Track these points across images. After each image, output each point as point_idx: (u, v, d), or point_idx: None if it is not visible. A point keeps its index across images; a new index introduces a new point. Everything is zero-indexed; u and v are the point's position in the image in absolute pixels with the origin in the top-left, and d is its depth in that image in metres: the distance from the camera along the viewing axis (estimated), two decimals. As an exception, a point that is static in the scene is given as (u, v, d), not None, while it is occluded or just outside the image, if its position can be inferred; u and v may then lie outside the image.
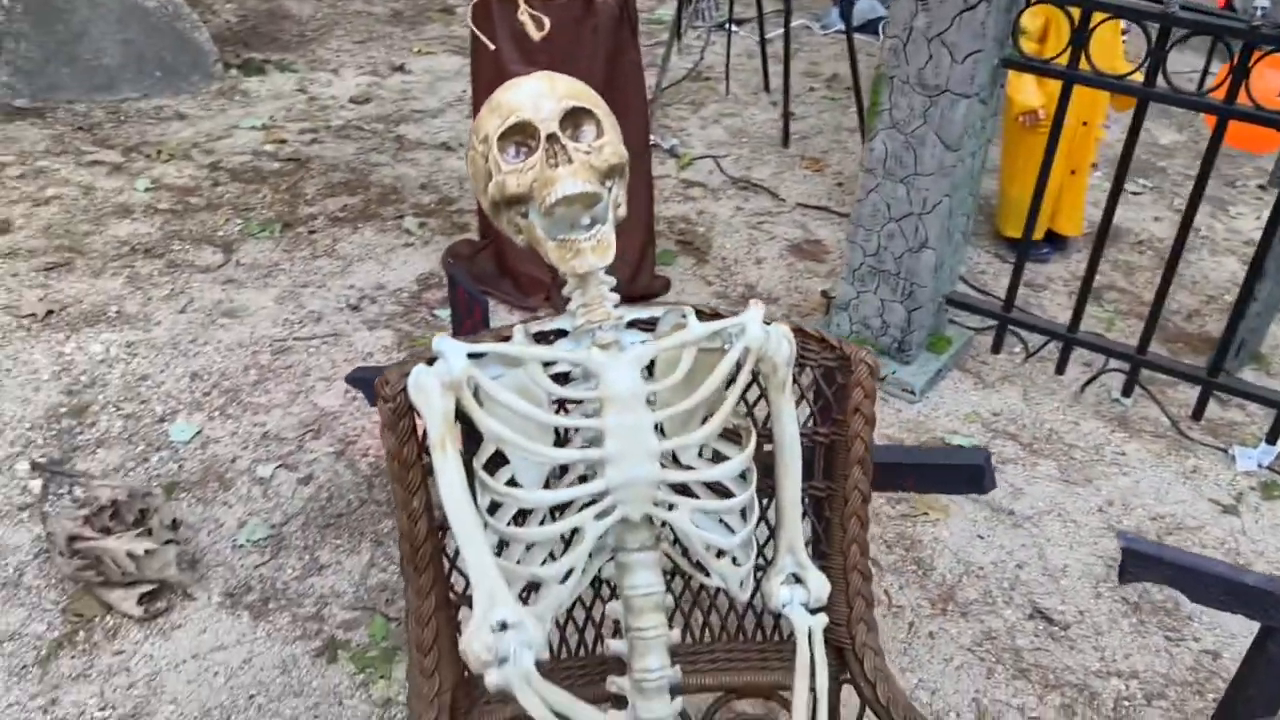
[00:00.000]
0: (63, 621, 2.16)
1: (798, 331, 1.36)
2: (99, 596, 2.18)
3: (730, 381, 1.26)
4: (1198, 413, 2.88)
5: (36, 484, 2.45)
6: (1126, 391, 2.94)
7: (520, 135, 1.21)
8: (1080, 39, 2.56)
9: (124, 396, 2.79)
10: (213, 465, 2.60)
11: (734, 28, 5.96)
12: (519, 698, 1.01)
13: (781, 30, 4.75)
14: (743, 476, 1.27)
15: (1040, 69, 2.75)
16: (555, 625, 1.40)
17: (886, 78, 2.79)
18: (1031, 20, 3.28)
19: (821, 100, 5.21)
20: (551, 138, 1.20)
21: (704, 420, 1.27)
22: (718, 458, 1.30)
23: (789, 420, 1.30)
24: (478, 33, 3.05)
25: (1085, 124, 3.54)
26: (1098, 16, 2.51)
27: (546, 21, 2.91)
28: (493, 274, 3.42)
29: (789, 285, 3.59)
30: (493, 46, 3.01)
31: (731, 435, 1.32)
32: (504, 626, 1.07)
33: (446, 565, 1.30)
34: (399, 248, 3.67)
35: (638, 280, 3.37)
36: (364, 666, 2.13)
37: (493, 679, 1.03)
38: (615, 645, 1.26)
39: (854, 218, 3.03)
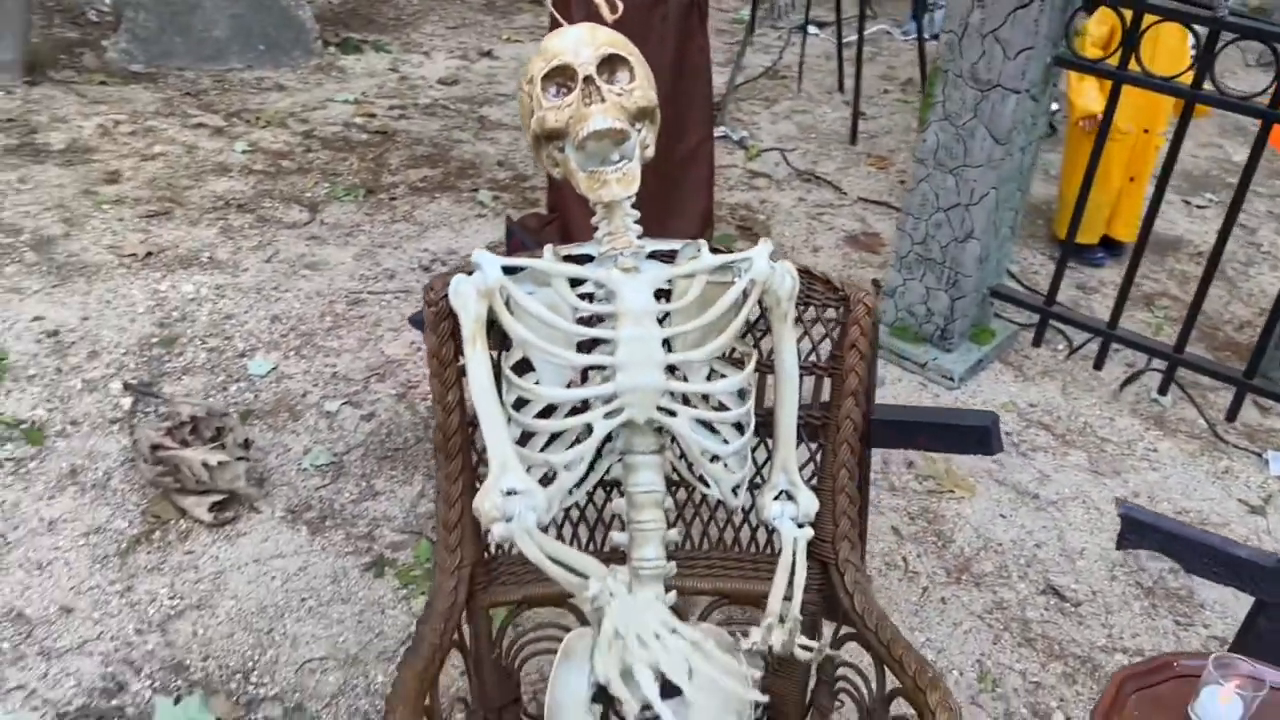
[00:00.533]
0: (142, 521, 2.39)
1: (804, 272, 1.49)
2: (175, 501, 2.40)
3: (736, 309, 1.40)
4: (1232, 414, 2.92)
5: (126, 401, 2.69)
6: (1163, 389, 3.00)
7: (561, 77, 1.37)
8: (1131, 40, 2.64)
9: (210, 332, 3.03)
10: (285, 398, 2.82)
11: (814, 30, 6.09)
12: (520, 545, 1.17)
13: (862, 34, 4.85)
14: (740, 395, 1.41)
15: (1091, 69, 2.82)
16: (569, 522, 1.55)
17: (941, 71, 2.89)
18: (1098, 27, 3.35)
19: (894, 103, 5.29)
20: (588, 80, 1.35)
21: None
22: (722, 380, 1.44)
23: (789, 350, 1.43)
24: (555, 14, 3.23)
25: (1146, 131, 3.58)
26: (1149, 18, 2.59)
27: (620, 5, 3.07)
28: (557, 246, 3.59)
29: (842, 273, 3.69)
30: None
31: (736, 362, 1.46)
32: (513, 493, 1.23)
33: (475, 457, 1.46)
34: (472, 218, 3.87)
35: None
36: (407, 582, 2.31)
37: (498, 531, 1.19)
38: (618, 537, 1.41)
39: (904, 206, 3.13)
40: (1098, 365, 3.07)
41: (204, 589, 2.25)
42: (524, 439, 1.38)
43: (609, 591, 1.13)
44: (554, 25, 3.28)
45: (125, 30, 4.88)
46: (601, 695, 1.45)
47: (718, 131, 4.71)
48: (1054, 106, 4.54)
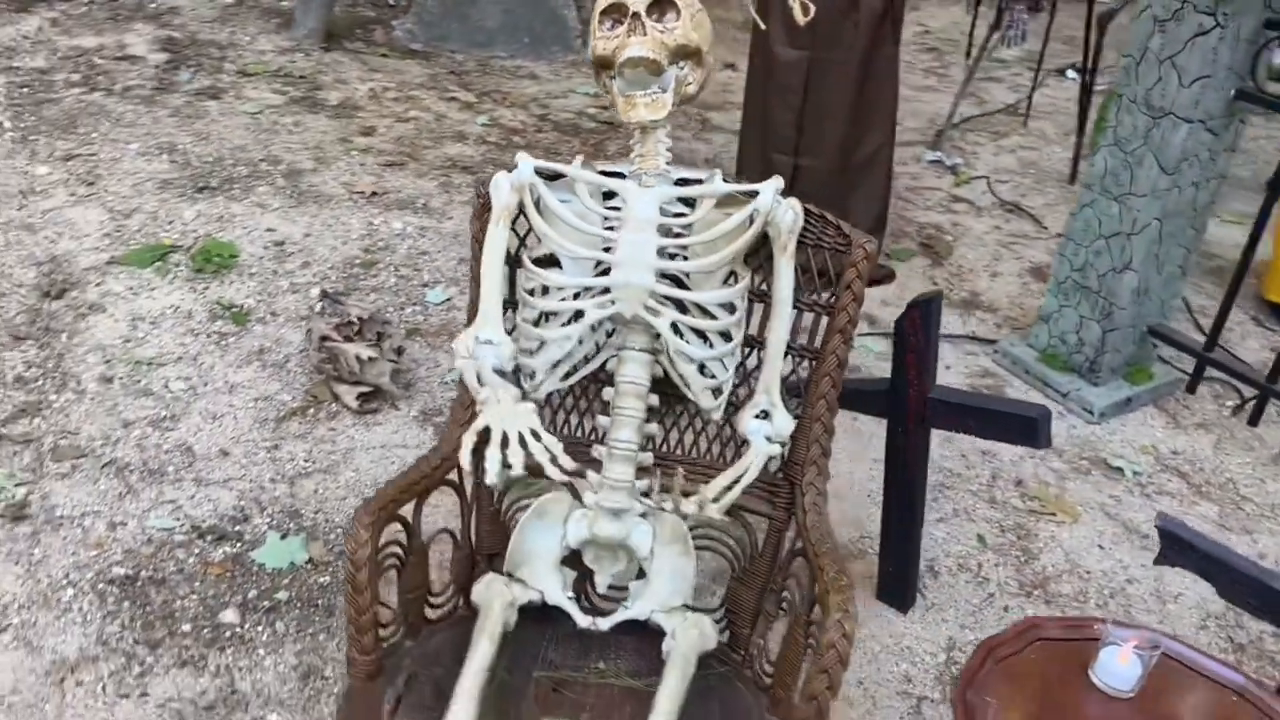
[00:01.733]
0: (302, 398, 2.80)
1: (818, 216, 1.62)
2: (331, 387, 2.79)
3: (738, 233, 1.55)
4: (1395, 492, 2.68)
5: (319, 305, 3.14)
6: (1321, 456, 2.79)
7: (616, 13, 1.57)
8: (1322, 77, 2.51)
9: (404, 262, 3.46)
10: (449, 324, 3.18)
11: (1073, 75, 5.94)
12: (465, 375, 1.39)
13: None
14: (726, 308, 1.56)
15: (1272, 104, 2.69)
16: (564, 413, 1.74)
17: (1116, 95, 2.85)
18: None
19: (1133, 151, 5.08)
20: (635, 15, 1.55)
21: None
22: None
23: (785, 280, 1.57)
24: (754, 15, 3.43)
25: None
26: (1341, 55, 2.46)
27: (812, 8, 3.23)
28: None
29: (1014, 300, 3.65)
30: (764, 27, 3.37)
31: (733, 281, 1.60)
32: (488, 343, 1.45)
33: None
34: (666, 204, 4.13)
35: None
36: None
37: (460, 364, 1.42)
38: (602, 420, 1.60)
39: (1066, 231, 3.09)
40: (1253, 421, 2.89)
41: (334, 459, 2.61)
42: (536, 321, 1.60)
43: (496, 399, 1.32)
44: (755, 27, 3.48)
45: (413, 13, 5.54)
46: (572, 560, 1.64)
47: (931, 156, 4.74)
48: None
